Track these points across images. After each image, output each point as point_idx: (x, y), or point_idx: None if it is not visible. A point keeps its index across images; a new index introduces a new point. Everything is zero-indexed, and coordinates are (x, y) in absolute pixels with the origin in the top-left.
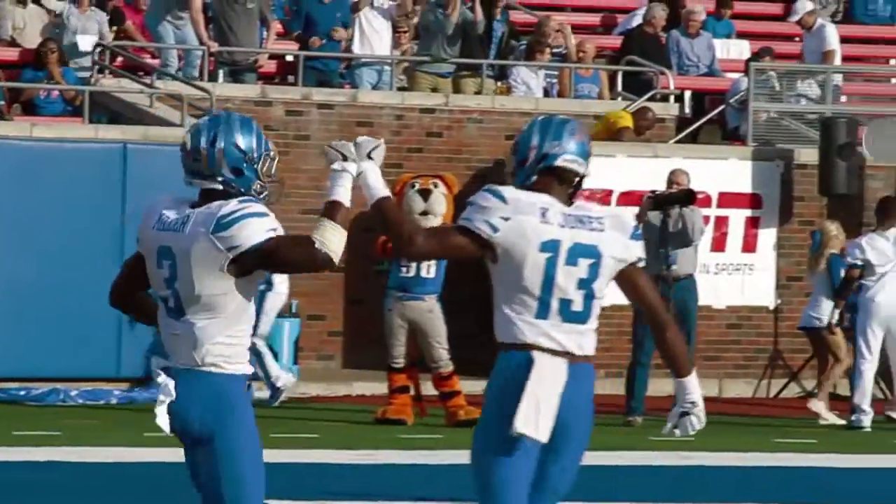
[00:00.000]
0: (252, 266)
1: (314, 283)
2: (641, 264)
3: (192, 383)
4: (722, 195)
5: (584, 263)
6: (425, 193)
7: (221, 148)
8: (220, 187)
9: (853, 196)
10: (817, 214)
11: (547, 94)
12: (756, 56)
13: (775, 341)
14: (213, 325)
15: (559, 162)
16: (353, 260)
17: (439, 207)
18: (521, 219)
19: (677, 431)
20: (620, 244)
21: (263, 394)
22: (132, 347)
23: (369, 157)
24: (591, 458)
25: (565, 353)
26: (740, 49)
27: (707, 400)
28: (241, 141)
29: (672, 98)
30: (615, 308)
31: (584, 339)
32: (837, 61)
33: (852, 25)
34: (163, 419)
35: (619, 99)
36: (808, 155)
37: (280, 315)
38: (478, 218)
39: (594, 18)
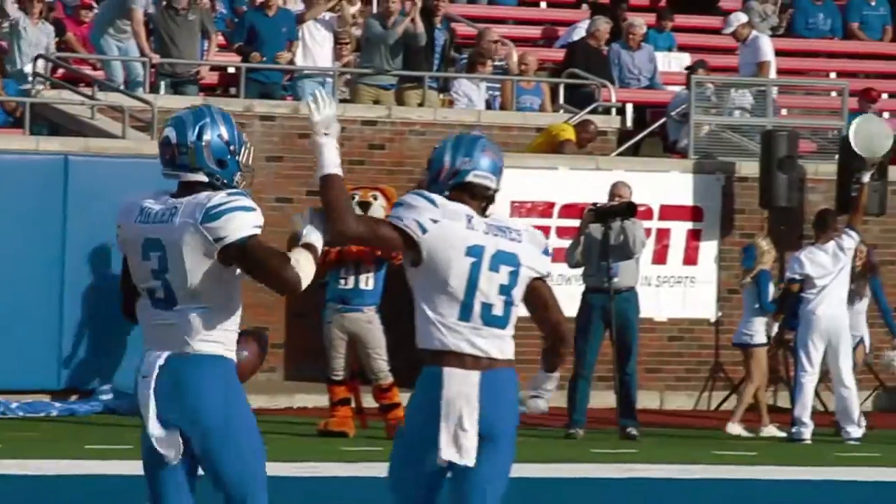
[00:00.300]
0: (231, 258)
1: (257, 295)
2: (549, 280)
3: (190, 367)
4: (663, 208)
5: (504, 270)
6: (364, 206)
7: (209, 140)
8: (206, 179)
9: (794, 209)
10: (758, 227)
11: (489, 106)
12: (691, 69)
13: (716, 353)
14: (206, 313)
15: (470, 178)
16: None
17: None
18: (448, 223)
19: (524, 408)
20: (536, 256)
21: None
22: (73, 360)
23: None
24: (534, 471)
25: (486, 359)
26: (681, 62)
27: (648, 412)
28: (226, 133)
29: (614, 111)
30: None
31: (504, 344)
32: (773, 72)
33: (793, 39)
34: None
35: (561, 112)
36: (748, 168)
37: None
38: (408, 216)
39: (535, 31)
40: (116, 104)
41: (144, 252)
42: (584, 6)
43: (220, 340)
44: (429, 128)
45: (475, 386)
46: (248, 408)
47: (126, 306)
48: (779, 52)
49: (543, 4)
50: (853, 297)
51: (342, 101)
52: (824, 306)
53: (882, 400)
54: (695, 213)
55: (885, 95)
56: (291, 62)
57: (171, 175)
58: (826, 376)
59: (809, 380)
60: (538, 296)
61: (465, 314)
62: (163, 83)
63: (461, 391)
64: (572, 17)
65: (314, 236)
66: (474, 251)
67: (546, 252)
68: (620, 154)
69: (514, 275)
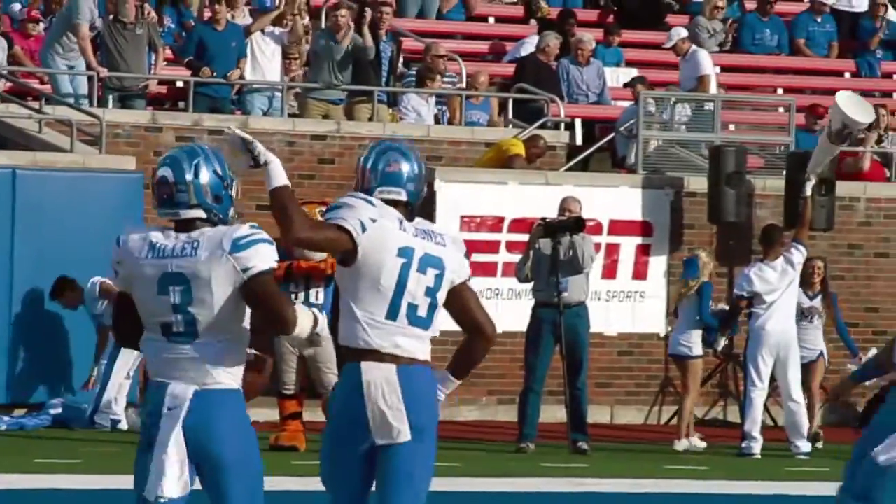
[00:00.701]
0: (247, 289)
1: None
2: (470, 282)
3: (214, 402)
4: (613, 223)
5: (431, 273)
6: None
7: (207, 178)
8: (204, 215)
9: (742, 224)
10: (707, 242)
11: (438, 121)
12: (629, 84)
13: (666, 368)
14: (225, 346)
15: (375, 195)
16: None
17: None
18: (384, 223)
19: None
20: (458, 261)
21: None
22: (23, 374)
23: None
24: (484, 485)
25: (407, 357)
26: (629, 77)
27: (599, 426)
28: (219, 169)
29: (562, 126)
30: (507, 335)
31: (424, 346)
32: (713, 86)
33: (740, 55)
34: None
35: (510, 126)
36: (697, 183)
37: None
38: (350, 216)
39: (483, 46)
40: (64, 118)
41: (161, 287)
42: (532, 22)
43: (235, 373)
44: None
45: (394, 374)
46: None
47: (122, 335)
48: (726, 68)
49: (492, 20)
50: (813, 314)
51: (291, 115)
52: (773, 321)
53: (830, 414)
54: (644, 228)
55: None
56: (241, 77)
57: (168, 213)
58: (775, 391)
59: (759, 394)
60: (461, 298)
61: (393, 313)
62: (111, 97)
63: (380, 375)
64: (520, 33)
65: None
66: (405, 252)
67: (466, 257)
68: (570, 169)
69: (439, 278)
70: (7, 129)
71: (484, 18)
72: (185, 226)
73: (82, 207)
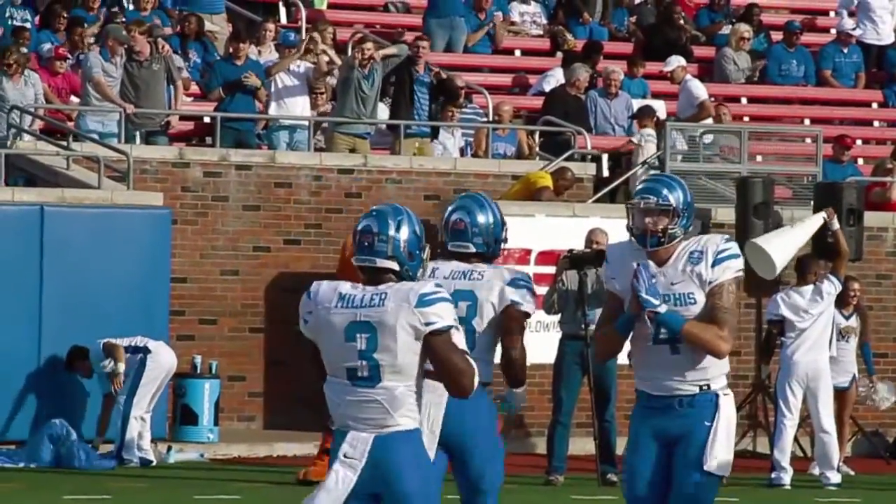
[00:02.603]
0: (427, 343)
1: (234, 343)
2: (520, 307)
3: (394, 446)
4: None
5: (463, 305)
6: None
7: (406, 234)
8: (397, 268)
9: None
10: None
11: (463, 153)
12: (635, 116)
13: None
14: (407, 389)
15: (449, 248)
16: (273, 321)
17: None
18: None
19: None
20: (494, 289)
21: (186, 455)
22: (50, 412)
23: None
24: None
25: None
26: (656, 109)
27: None
28: (417, 230)
29: (589, 158)
30: (535, 367)
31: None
32: (710, 111)
33: (767, 86)
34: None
35: (537, 159)
36: (724, 214)
37: (200, 376)
38: None
39: (509, 79)
40: (92, 154)
41: (349, 334)
42: (559, 54)
43: (414, 414)
44: (405, 175)
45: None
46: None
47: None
48: (752, 99)
49: (518, 52)
50: (849, 333)
51: (318, 149)
52: (802, 351)
53: (861, 445)
54: None
55: (858, 142)
56: (264, 111)
57: (366, 260)
58: (805, 420)
59: (789, 424)
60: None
61: None
62: (137, 133)
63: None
64: (546, 66)
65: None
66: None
67: (516, 285)
68: (597, 201)
69: (471, 307)
70: (35, 166)
71: (510, 52)
72: (375, 278)
73: (110, 244)
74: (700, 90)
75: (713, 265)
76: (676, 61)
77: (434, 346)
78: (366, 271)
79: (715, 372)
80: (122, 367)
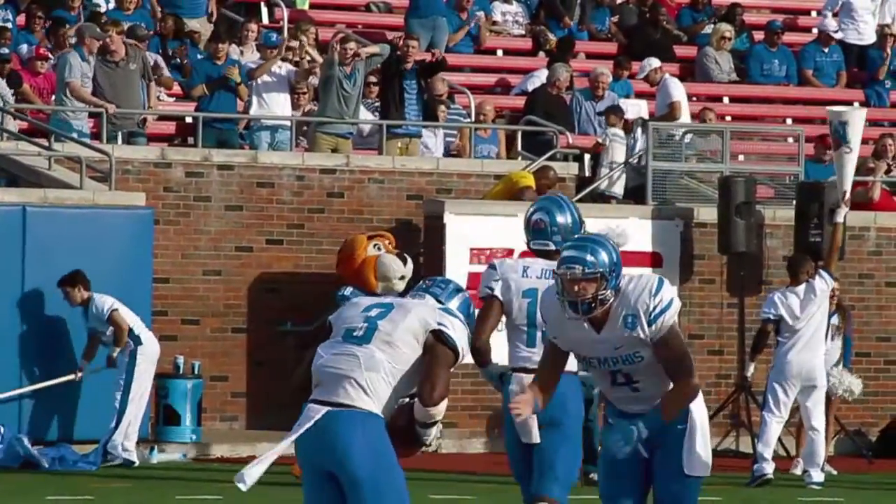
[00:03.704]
0: (428, 342)
1: (217, 343)
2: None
3: (347, 421)
4: (622, 253)
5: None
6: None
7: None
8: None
9: (752, 254)
10: (717, 272)
11: (446, 153)
12: (602, 114)
13: None
14: (390, 362)
15: (531, 246)
16: (256, 321)
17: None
18: (508, 276)
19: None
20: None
21: (168, 455)
22: (33, 412)
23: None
24: None
25: None
26: (639, 109)
27: None
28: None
29: (571, 157)
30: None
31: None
32: (685, 113)
33: (749, 85)
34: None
35: (519, 158)
36: (707, 213)
37: (183, 376)
38: (483, 285)
39: (491, 79)
40: (74, 155)
41: (367, 307)
42: (541, 54)
43: (380, 403)
44: (387, 175)
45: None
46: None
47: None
48: (735, 99)
49: (500, 52)
50: (833, 332)
51: (306, 149)
52: (796, 350)
53: (844, 444)
54: (654, 259)
55: None
56: (245, 111)
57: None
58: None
59: (776, 420)
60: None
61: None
62: (119, 134)
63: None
64: (529, 65)
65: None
66: (529, 293)
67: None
68: (579, 201)
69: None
70: (17, 167)
71: (493, 51)
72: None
73: (92, 244)
74: (675, 90)
75: (649, 325)
76: (649, 65)
77: (433, 347)
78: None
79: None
80: (116, 351)
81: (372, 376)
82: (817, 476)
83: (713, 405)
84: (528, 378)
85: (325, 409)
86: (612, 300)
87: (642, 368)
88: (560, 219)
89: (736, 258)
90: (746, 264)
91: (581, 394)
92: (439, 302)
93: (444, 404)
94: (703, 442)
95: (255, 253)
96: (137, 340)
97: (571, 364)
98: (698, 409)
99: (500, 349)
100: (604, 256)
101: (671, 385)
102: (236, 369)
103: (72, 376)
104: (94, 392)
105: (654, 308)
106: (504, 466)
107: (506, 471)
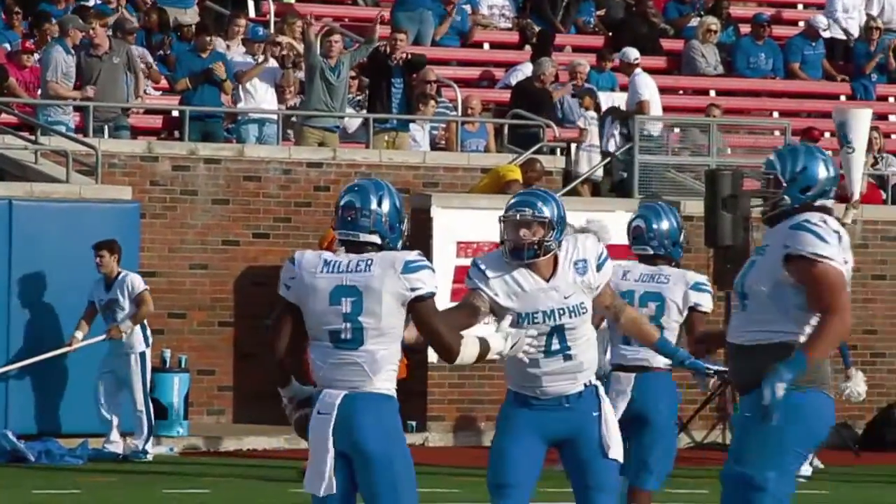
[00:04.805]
0: (411, 309)
1: (204, 337)
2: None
3: (367, 404)
4: (609, 247)
5: (652, 305)
6: None
7: (387, 208)
8: (378, 241)
9: (738, 247)
10: (704, 266)
11: (433, 146)
12: (577, 95)
13: None
14: (388, 353)
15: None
16: (243, 314)
17: None
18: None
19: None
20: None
21: (156, 449)
22: (18, 406)
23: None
24: None
25: None
26: (612, 100)
27: None
28: (398, 202)
29: (558, 151)
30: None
31: None
32: (657, 110)
33: (735, 78)
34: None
35: (506, 152)
36: (693, 207)
37: (170, 370)
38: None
39: (477, 72)
40: (60, 149)
41: (334, 298)
42: (527, 47)
43: (392, 379)
44: (374, 169)
45: None
46: (405, 441)
47: (278, 346)
48: (721, 92)
49: (486, 46)
50: None
51: (287, 141)
52: None
53: (830, 437)
54: None
55: (826, 134)
56: (233, 104)
57: (348, 234)
58: None
59: None
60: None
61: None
62: (105, 127)
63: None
64: (515, 59)
65: (496, 340)
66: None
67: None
68: (566, 194)
69: (659, 307)
70: (3, 161)
71: (479, 45)
72: (357, 248)
73: (79, 238)
74: (644, 89)
75: (598, 270)
76: (626, 56)
77: (418, 310)
78: (348, 245)
79: (594, 369)
80: (127, 325)
81: (377, 371)
82: (805, 469)
83: (700, 398)
84: (626, 376)
85: (342, 394)
86: (555, 250)
87: (579, 327)
88: (656, 225)
89: (722, 251)
90: (733, 257)
91: (674, 391)
92: (389, 247)
93: (469, 348)
94: (615, 427)
95: (241, 247)
96: (147, 341)
97: (661, 360)
98: (604, 397)
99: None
100: (553, 207)
101: (595, 354)
102: (223, 363)
103: (67, 348)
104: (81, 386)
105: (601, 255)
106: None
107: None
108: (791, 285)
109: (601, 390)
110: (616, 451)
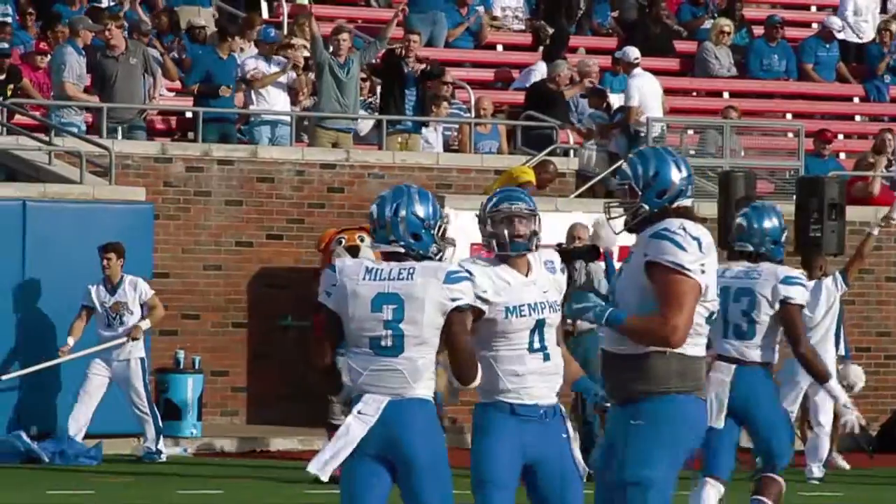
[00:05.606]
0: (449, 318)
1: (217, 338)
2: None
3: (412, 412)
4: (623, 249)
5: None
6: (353, 250)
7: (404, 216)
8: (402, 250)
9: None
10: None
11: (446, 148)
12: (587, 97)
13: None
14: (428, 360)
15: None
16: (256, 315)
17: None
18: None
19: None
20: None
21: (170, 450)
22: (31, 406)
23: None
24: None
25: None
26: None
27: None
28: (420, 210)
29: (571, 153)
30: None
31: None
32: (656, 112)
33: (749, 80)
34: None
35: (519, 153)
36: (707, 208)
37: (184, 371)
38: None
39: (491, 74)
40: (74, 149)
41: (375, 304)
42: (541, 49)
43: (431, 385)
44: (387, 170)
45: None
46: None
47: (322, 354)
48: (735, 94)
49: (500, 47)
50: None
51: (300, 142)
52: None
53: (844, 439)
54: None
55: (840, 136)
56: (245, 105)
57: (376, 246)
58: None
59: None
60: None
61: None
62: (119, 128)
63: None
64: (529, 60)
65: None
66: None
67: None
68: (579, 196)
69: (750, 302)
70: (17, 162)
71: (492, 46)
72: (396, 257)
73: (92, 239)
74: (636, 92)
75: (562, 272)
76: (626, 54)
77: (451, 321)
78: (385, 253)
79: (562, 377)
80: (146, 323)
81: (418, 378)
82: (817, 472)
83: None
84: (727, 366)
85: (386, 400)
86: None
87: (552, 327)
88: (757, 224)
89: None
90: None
91: (771, 384)
92: (419, 255)
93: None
94: (577, 448)
95: (255, 248)
96: (147, 345)
97: (754, 354)
98: (568, 419)
99: None
100: (536, 203)
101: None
102: (237, 364)
103: (61, 358)
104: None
105: (560, 262)
106: None
107: None
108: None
109: (564, 411)
110: (584, 471)
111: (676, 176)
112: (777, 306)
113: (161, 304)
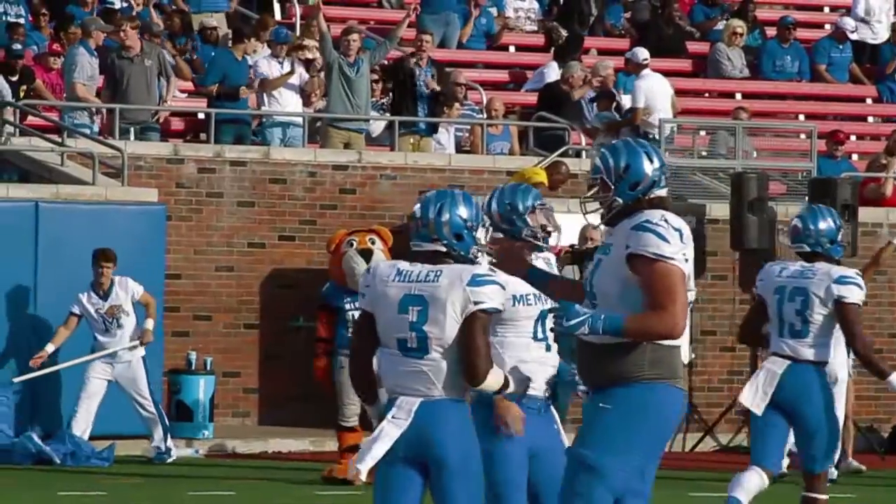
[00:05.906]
0: (466, 322)
1: (229, 339)
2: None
3: (445, 413)
4: None
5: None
6: (366, 253)
7: (448, 217)
8: (444, 249)
9: (765, 251)
10: (729, 269)
11: (458, 149)
12: (595, 100)
13: (690, 395)
14: (450, 361)
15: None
16: (268, 317)
17: None
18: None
19: None
20: None
21: (181, 451)
22: (43, 407)
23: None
24: None
25: None
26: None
27: None
28: (464, 212)
29: (584, 154)
30: None
31: None
32: (665, 113)
33: (761, 81)
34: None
35: (532, 155)
36: (719, 210)
37: (195, 372)
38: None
39: (503, 75)
40: (86, 151)
41: (402, 306)
42: (553, 50)
43: (460, 387)
44: (400, 171)
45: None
46: (477, 447)
47: (367, 358)
48: (747, 95)
49: (512, 48)
50: None
51: (312, 143)
52: None
53: (856, 441)
54: None
55: (852, 137)
56: (257, 107)
57: (415, 245)
58: None
59: None
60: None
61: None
62: (132, 129)
63: None
64: (541, 61)
65: (511, 381)
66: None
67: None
68: (589, 198)
69: (804, 302)
70: (29, 163)
71: (505, 47)
72: (430, 257)
73: (105, 240)
74: (641, 95)
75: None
76: (635, 56)
77: (469, 321)
78: (420, 255)
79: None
80: (150, 323)
81: (444, 379)
82: (830, 472)
83: (726, 402)
84: (781, 360)
85: (418, 401)
86: None
87: (547, 319)
88: (812, 225)
89: (748, 255)
90: (759, 261)
91: (825, 383)
92: (460, 255)
93: (493, 377)
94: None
95: (267, 249)
96: (158, 343)
97: (807, 353)
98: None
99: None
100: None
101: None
102: (248, 365)
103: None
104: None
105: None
106: None
107: None
108: (638, 285)
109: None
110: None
111: (648, 167)
112: (831, 306)
113: (152, 297)
